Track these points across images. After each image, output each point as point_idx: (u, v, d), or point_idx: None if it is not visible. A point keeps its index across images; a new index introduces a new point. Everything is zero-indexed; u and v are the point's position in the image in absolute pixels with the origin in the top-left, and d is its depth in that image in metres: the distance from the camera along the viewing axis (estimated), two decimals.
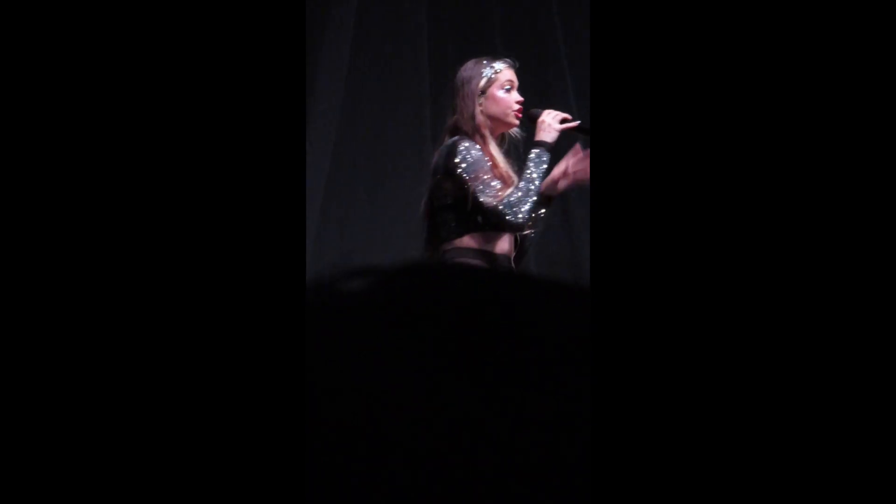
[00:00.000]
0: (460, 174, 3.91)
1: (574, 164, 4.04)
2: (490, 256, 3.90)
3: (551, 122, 4.00)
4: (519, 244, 4.08)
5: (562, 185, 4.06)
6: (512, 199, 3.90)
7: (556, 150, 4.02)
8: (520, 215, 3.89)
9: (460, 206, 3.95)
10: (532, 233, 4.11)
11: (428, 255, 3.98)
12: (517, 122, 4.02)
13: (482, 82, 3.98)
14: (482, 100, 3.99)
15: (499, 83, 3.99)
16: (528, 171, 3.95)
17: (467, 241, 3.95)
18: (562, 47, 5.90)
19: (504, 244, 3.99)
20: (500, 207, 3.88)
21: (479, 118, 3.96)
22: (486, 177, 3.92)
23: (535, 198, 3.92)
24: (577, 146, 4.07)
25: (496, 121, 4.00)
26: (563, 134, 4.02)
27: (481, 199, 3.89)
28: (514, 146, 4.09)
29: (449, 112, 4.07)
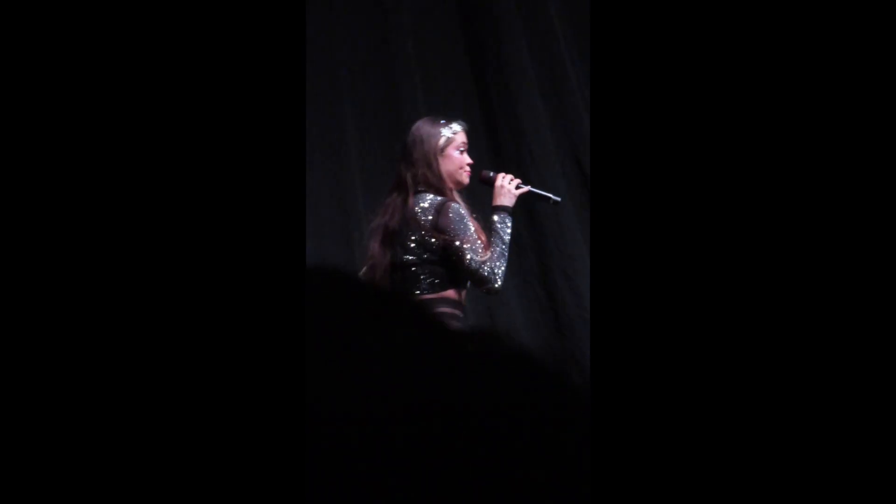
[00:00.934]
0: (450, 234, 4.29)
1: None
2: (460, 305, 4.37)
3: (509, 187, 4.44)
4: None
5: None
6: (493, 264, 4.33)
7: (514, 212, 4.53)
8: (499, 280, 4.35)
9: (444, 264, 4.32)
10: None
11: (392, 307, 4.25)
12: (467, 181, 4.42)
13: (441, 141, 4.37)
14: (440, 158, 4.36)
15: (455, 144, 4.40)
16: (498, 237, 4.38)
17: (450, 293, 4.35)
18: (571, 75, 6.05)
19: (465, 295, 4.45)
20: (485, 271, 4.30)
21: (444, 175, 4.35)
22: (472, 238, 4.32)
23: (506, 261, 4.37)
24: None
25: (451, 179, 4.40)
26: (520, 197, 4.48)
27: (471, 261, 4.29)
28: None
29: (403, 165, 4.41)
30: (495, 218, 4.41)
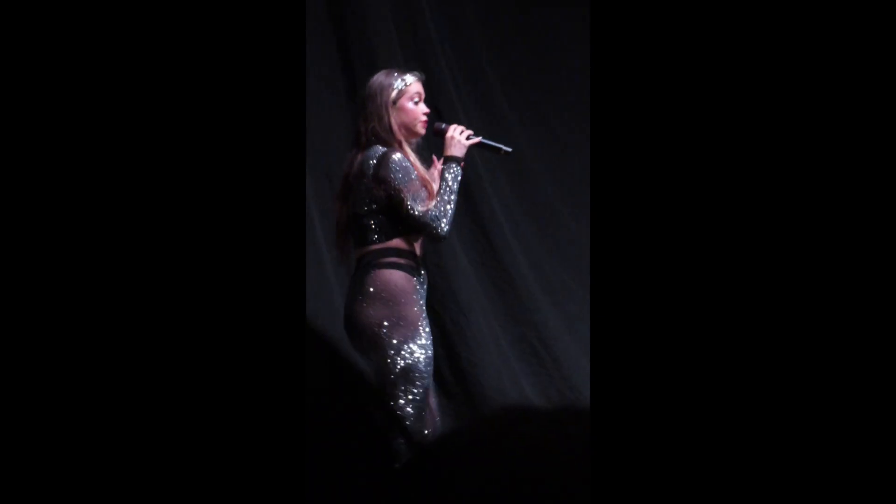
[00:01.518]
0: (391, 183, 4.35)
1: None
2: (412, 256, 4.43)
3: (459, 138, 4.52)
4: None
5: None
6: (437, 212, 4.41)
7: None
8: (444, 226, 4.43)
9: (388, 213, 4.40)
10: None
11: (348, 257, 4.50)
12: (423, 131, 4.49)
13: (393, 94, 4.44)
14: (394, 110, 4.43)
15: (408, 95, 4.46)
16: (446, 186, 4.46)
17: (396, 242, 4.42)
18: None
19: (419, 246, 4.49)
20: (428, 219, 4.39)
21: (395, 127, 4.41)
22: (414, 187, 4.38)
23: (452, 210, 4.45)
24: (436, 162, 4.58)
25: (406, 130, 4.46)
26: (471, 148, 4.54)
27: (411, 209, 4.37)
28: (419, 151, 4.57)
29: (361, 118, 4.50)
30: (447, 171, 4.48)
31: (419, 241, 4.48)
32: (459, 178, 4.49)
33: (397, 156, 4.38)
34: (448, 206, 4.43)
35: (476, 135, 4.58)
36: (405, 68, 4.57)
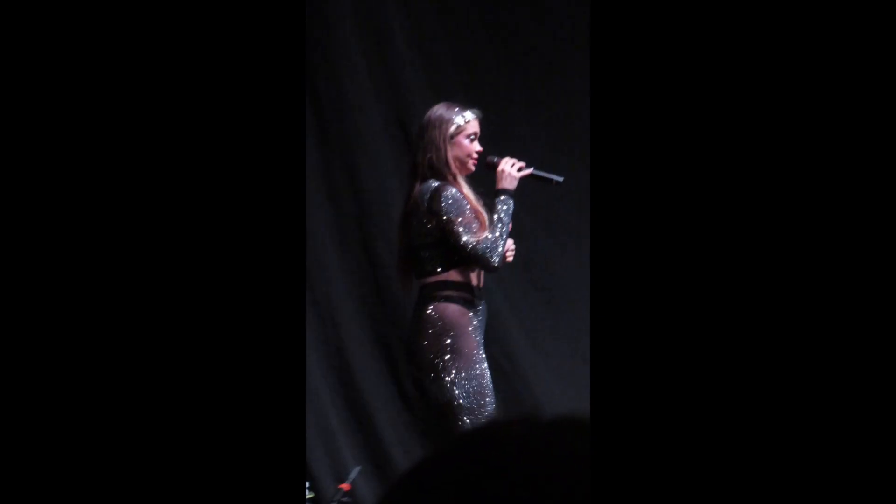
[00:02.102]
0: (444, 216, 4.46)
1: None
2: (468, 288, 4.52)
3: (510, 171, 4.61)
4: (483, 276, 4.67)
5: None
6: (488, 242, 4.48)
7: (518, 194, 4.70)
8: (496, 257, 4.51)
9: (443, 245, 4.50)
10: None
11: (409, 288, 4.63)
12: (473, 168, 4.60)
13: (452, 128, 4.55)
14: (451, 144, 4.54)
15: (466, 132, 4.57)
16: (498, 219, 4.54)
17: (452, 275, 4.53)
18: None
19: (476, 277, 4.58)
20: (480, 250, 4.47)
21: (450, 160, 4.52)
22: (467, 219, 4.48)
23: (505, 241, 4.53)
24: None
25: (459, 164, 4.57)
26: (522, 180, 4.64)
27: (464, 240, 4.46)
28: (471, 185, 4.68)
29: (419, 149, 4.59)
30: (498, 202, 4.55)
31: (476, 272, 4.56)
32: (511, 210, 4.56)
33: (450, 189, 4.48)
34: (500, 238, 4.50)
35: (527, 166, 4.64)
36: (466, 104, 4.64)
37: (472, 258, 4.46)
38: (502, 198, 4.55)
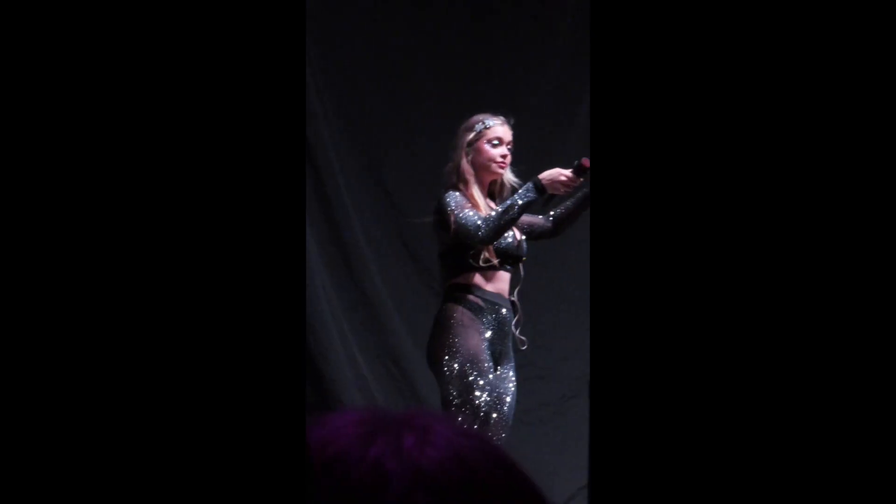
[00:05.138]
0: (443, 212, 4.52)
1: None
2: (480, 290, 4.50)
3: (559, 179, 4.52)
4: (519, 282, 4.63)
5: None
6: (479, 217, 4.44)
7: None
8: (484, 229, 4.43)
9: (456, 250, 4.53)
10: (522, 273, 4.66)
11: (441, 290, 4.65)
12: (500, 172, 4.58)
13: (471, 136, 4.60)
14: (470, 150, 4.56)
15: (486, 137, 4.57)
16: (511, 200, 4.49)
17: (462, 278, 4.52)
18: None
19: (501, 283, 4.57)
20: (473, 222, 4.45)
21: (464, 167, 4.57)
22: (465, 208, 4.47)
23: (507, 220, 4.44)
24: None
25: (481, 169, 4.57)
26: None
27: (461, 221, 4.46)
28: (512, 191, 4.66)
29: (449, 159, 4.64)
30: (522, 188, 4.53)
31: (498, 278, 4.54)
32: (527, 200, 4.48)
33: (451, 192, 4.53)
34: (499, 217, 4.45)
35: (577, 190, 4.56)
36: (493, 112, 4.64)
37: (462, 233, 4.45)
38: (529, 186, 4.50)
